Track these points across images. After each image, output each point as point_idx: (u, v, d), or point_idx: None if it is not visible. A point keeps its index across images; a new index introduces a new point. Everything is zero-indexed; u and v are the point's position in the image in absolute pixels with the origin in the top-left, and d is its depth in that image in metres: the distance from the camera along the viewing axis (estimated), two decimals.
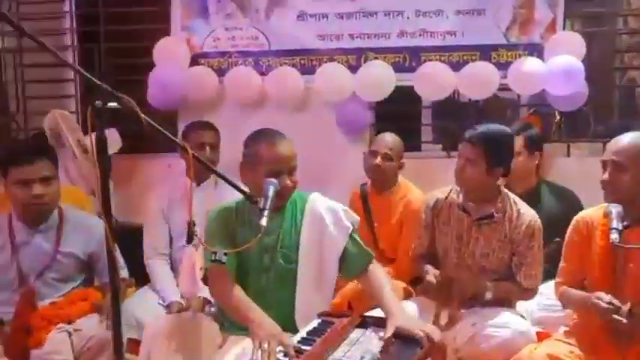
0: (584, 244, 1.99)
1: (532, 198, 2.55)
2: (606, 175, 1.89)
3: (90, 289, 2.29)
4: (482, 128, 2.22)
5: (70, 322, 2.09)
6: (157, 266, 2.78)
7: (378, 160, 2.73)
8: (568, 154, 3.23)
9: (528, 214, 2.24)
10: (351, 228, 1.96)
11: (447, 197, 2.35)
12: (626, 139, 1.89)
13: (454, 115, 3.44)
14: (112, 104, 1.52)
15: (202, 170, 2.70)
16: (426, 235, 2.38)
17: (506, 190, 2.30)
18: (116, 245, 2.09)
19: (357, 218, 2.03)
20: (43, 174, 2.15)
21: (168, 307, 2.48)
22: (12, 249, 2.18)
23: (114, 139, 3.14)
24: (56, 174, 2.23)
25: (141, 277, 2.84)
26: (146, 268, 2.84)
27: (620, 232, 1.74)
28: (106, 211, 1.50)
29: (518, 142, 2.66)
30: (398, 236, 2.76)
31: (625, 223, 1.77)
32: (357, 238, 1.99)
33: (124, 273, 2.40)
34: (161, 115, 3.29)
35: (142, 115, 1.56)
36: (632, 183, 1.84)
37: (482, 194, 2.25)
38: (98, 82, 1.52)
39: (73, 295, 2.21)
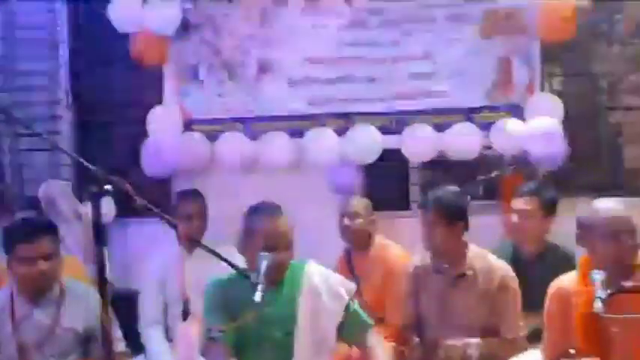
0: (563, 313, 2.01)
1: (542, 262, 2.59)
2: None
3: None
4: (432, 194, 2.35)
5: None
6: (152, 336, 2.79)
7: (346, 220, 2.84)
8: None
9: (499, 266, 2.30)
10: (347, 299, 2.00)
11: (423, 263, 2.42)
12: (620, 206, 1.94)
13: (443, 174, 3.53)
14: (107, 187, 1.61)
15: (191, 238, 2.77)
16: (410, 304, 2.43)
17: (473, 246, 2.36)
18: (113, 316, 2.14)
19: (354, 287, 2.07)
20: (47, 251, 2.19)
21: None
22: (12, 324, 2.19)
23: (108, 206, 3.18)
24: (58, 249, 2.27)
25: (137, 343, 2.85)
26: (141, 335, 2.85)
27: (603, 301, 1.78)
28: (102, 291, 1.55)
29: (533, 204, 2.66)
30: (382, 294, 2.81)
31: (609, 291, 1.81)
32: (356, 307, 2.03)
33: (120, 346, 2.40)
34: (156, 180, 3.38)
35: (135, 197, 1.65)
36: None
37: (451, 252, 2.31)
38: (91, 167, 1.61)
39: None
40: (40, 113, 3.64)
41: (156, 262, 2.95)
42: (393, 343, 2.60)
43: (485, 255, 2.34)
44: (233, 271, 2.01)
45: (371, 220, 2.91)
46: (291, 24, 3.32)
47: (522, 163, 3.33)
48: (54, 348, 2.22)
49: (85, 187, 1.57)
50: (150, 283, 2.92)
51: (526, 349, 2.31)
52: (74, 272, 2.62)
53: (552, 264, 2.68)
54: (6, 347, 2.19)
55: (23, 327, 2.20)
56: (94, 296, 2.28)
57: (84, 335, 2.28)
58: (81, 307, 2.27)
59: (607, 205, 1.97)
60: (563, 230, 3.02)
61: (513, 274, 2.29)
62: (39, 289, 2.23)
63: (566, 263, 2.69)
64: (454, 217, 2.29)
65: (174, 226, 1.79)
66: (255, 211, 2.00)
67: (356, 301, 2.07)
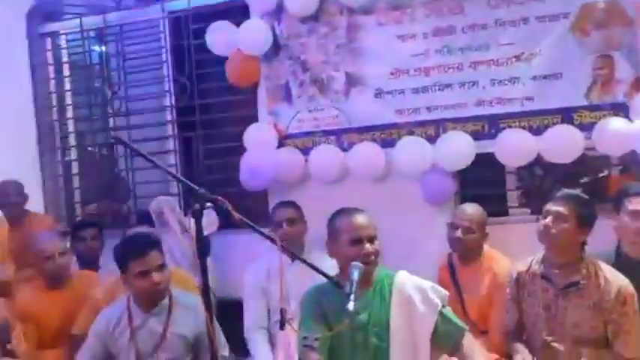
0: None
1: None
2: None
3: None
4: (566, 192, 2.26)
5: None
6: (257, 341, 2.93)
7: (459, 233, 2.76)
8: None
9: (617, 279, 2.17)
10: (440, 305, 2.01)
11: (528, 269, 2.33)
12: None
13: (541, 177, 3.39)
14: (209, 205, 1.75)
15: (296, 246, 2.89)
16: (514, 310, 2.36)
17: (590, 257, 2.24)
18: (217, 323, 2.29)
19: (446, 293, 2.07)
20: (158, 263, 2.39)
21: None
22: (131, 332, 2.41)
23: (211, 219, 3.39)
24: (165, 261, 2.47)
25: (241, 350, 3.01)
26: (246, 342, 3.00)
27: None
28: (206, 299, 1.69)
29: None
30: (488, 308, 2.73)
31: None
32: (448, 314, 2.03)
33: (225, 351, 2.55)
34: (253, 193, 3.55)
35: (235, 213, 1.78)
36: None
37: (567, 257, 2.21)
38: (196, 188, 1.76)
39: None
40: (150, 134, 3.96)
41: (259, 269, 3.11)
42: (497, 356, 2.54)
43: (602, 268, 2.22)
44: (326, 282, 2.09)
45: (484, 234, 2.81)
46: (375, 36, 3.35)
47: (631, 163, 3.13)
48: (167, 353, 2.41)
49: (192, 203, 1.72)
50: (253, 290, 3.09)
51: None
52: (183, 284, 2.82)
53: None
54: (126, 354, 2.41)
55: (139, 335, 2.41)
56: (201, 305, 2.46)
57: (193, 341, 2.46)
58: (189, 315, 2.44)
59: None
60: None
61: (632, 289, 2.17)
62: (154, 299, 2.43)
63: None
64: (584, 220, 2.20)
65: (269, 238, 1.91)
66: (336, 212, 2.13)
67: (448, 307, 2.05)
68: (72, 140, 4.26)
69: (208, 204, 1.72)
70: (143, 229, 3.34)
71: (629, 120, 2.92)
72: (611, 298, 2.14)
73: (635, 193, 2.57)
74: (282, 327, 1.91)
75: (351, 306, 1.79)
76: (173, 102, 3.94)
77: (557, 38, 3.03)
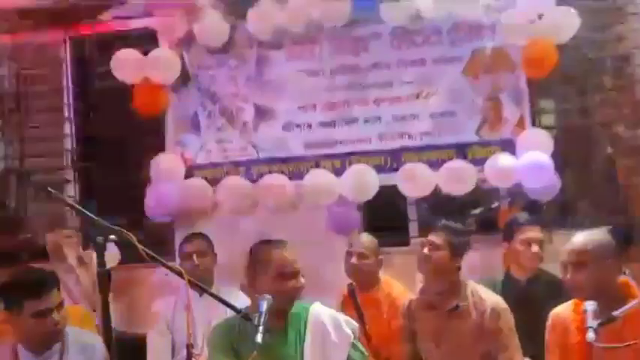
0: (562, 341, 2.05)
1: (533, 288, 2.65)
2: (569, 276, 1.99)
3: None
4: (441, 221, 2.42)
5: None
6: None
7: (354, 259, 2.87)
8: (551, 242, 3.33)
9: (490, 297, 2.34)
10: (352, 336, 2.04)
11: (417, 297, 2.46)
12: (580, 238, 2.00)
13: (440, 209, 3.59)
14: (112, 237, 1.69)
15: (206, 280, 2.83)
16: (410, 338, 2.46)
17: (466, 280, 2.40)
18: None
19: (357, 326, 2.11)
20: (58, 301, 2.20)
21: None
22: None
23: (113, 252, 3.25)
24: (63, 299, 2.29)
25: None
26: None
27: (595, 331, 1.81)
28: (107, 337, 1.62)
29: (536, 231, 2.76)
30: (389, 333, 2.82)
31: (599, 320, 1.85)
32: (360, 346, 2.07)
33: None
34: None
35: (140, 246, 1.73)
36: (594, 280, 1.93)
37: (445, 282, 2.35)
38: (98, 219, 1.69)
39: None
40: (47, 164, 3.76)
41: (166, 303, 3.01)
42: None
43: (477, 289, 2.38)
44: (234, 316, 2.06)
45: (378, 260, 2.93)
46: (284, 70, 3.45)
47: (518, 195, 3.40)
48: None
49: (91, 236, 1.65)
50: (158, 325, 2.97)
51: None
52: (79, 321, 2.67)
53: (542, 289, 2.75)
54: None
55: None
56: (97, 344, 2.30)
57: None
58: (85, 356, 2.28)
59: (574, 238, 2.02)
60: (556, 258, 3.08)
61: (504, 305, 2.32)
62: (49, 341, 2.22)
63: (554, 288, 2.76)
64: (458, 248, 2.35)
65: (178, 273, 1.86)
66: (264, 243, 2.06)
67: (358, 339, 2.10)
68: None
69: (112, 236, 1.66)
70: (35, 265, 3.13)
71: (515, 156, 3.18)
72: (488, 315, 2.29)
73: (525, 222, 2.81)
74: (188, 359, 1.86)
75: (259, 338, 1.78)
76: (73, 130, 3.78)
77: (451, 79, 3.29)
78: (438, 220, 2.48)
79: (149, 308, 3.10)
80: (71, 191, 3.75)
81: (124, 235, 1.66)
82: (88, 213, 1.70)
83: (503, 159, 3.16)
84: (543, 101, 3.48)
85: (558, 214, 3.50)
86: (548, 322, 2.12)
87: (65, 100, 3.79)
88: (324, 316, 2.05)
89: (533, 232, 2.76)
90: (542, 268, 2.91)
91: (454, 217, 3.12)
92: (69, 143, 3.80)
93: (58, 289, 2.24)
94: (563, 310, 2.10)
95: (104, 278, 1.69)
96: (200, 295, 2.77)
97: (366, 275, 2.90)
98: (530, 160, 3.06)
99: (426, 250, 2.37)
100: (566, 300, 2.59)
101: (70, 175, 3.78)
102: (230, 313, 2.04)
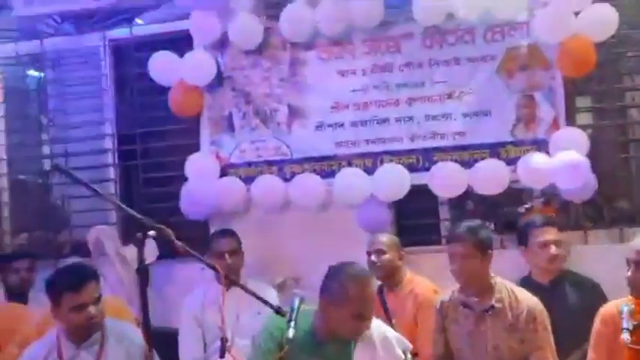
0: (611, 337, 2.04)
1: (557, 288, 2.61)
2: (629, 273, 1.97)
3: None
4: (462, 226, 2.40)
5: None
6: None
7: (373, 257, 2.91)
8: (586, 242, 3.29)
9: (527, 299, 2.33)
10: (403, 358, 2.06)
11: (450, 298, 2.46)
12: None
13: (471, 209, 3.57)
14: (151, 234, 1.76)
15: (234, 276, 2.90)
16: (440, 339, 2.48)
17: (500, 279, 2.39)
18: (156, 355, 2.26)
19: (409, 345, 2.13)
20: (95, 295, 2.32)
21: None
22: None
23: (151, 248, 3.35)
24: (101, 293, 2.40)
25: None
26: None
27: (630, 332, 1.80)
28: (147, 332, 1.69)
29: (552, 233, 2.75)
30: (415, 328, 2.85)
31: (635, 322, 1.83)
32: None
33: None
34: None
35: (177, 242, 1.80)
36: None
37: (480, 285, 2.35)
38: (139, 216, 1.76)
39: None
40: (89, 162, 3.90)
41: (194, 299, 3.09)
42: None
43: (514, 289, 2.38)
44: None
45: (399, 256, 2.97)
46: (317, 70, 3.48)
47: (552, 196, 3.36)
48: None
49: (131, 232, 1.72)
50: (188, 320, 3.06)
51: None
52: (117, 312, 2.77)
53: (569, 291, 2.72)
54: None
55: None
56: (135, 336, 2.42)
57: None
58: (123, 347, 2.39)
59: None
60: (591, 258, 3.05)
61: (541, 306, 2.32)
62: (88, 332, 2.35)
63: (583, 288, 2.72)
64: (485, 248, 2.35)
65: (213, 267, 1.92)
66: (346, 272, 2.02)
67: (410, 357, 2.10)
68: (3, 167, 4.11)
69: (151, 232, 1.72)
70: (77, 259, 3.26)
71: (549, 155, 3.15)
72: (524, 317, 2.29)
73: (541, 224, 2.78)
74: (222, 355, 1.92)
75: (290, 333, 1.83)
76: (114, 130, 3.90)
77: (485, 78, 3.27)
78: (468, 221, 2.47)
79: (181, 303, 3.18)
80: (112, 189, 3.86)
81: (162, 231, 1.71)
82: (129, 209, 1.77)
83: (537, 158, 3.13)
84: (579, 99, 3.42)
85: (595, 214, 3.45)
86: (598, 317, 2.14)
87: (106, 101, 3.91)
88: (375, 334, 2.05)
89: (550, 234, 2.73)
90: (568, 269, 2.89)
91: (486, 217, 3.15)
92: (110, 143, 3.92)
93: (96, 283, 2.35)
94: (616, 304, 2.10)
95: (144, 273, 1.73)
96: (227, 290, 2.83)
97: (386, 272, 2.94)
98: (564, 160, 3.02)
99: (455, 267, 2.35)
100: (602, 298, 2.59)
101: (111, 173, 3.90)
102: (260, 307, 2.06)
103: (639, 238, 2.02)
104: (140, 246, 1.70)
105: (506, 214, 3.47)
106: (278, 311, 1.97)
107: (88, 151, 3.94)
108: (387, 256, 2.93)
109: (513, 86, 3.24)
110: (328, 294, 2.01)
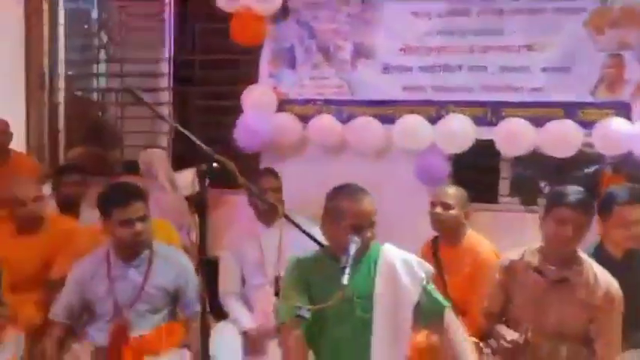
0: None
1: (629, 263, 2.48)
2: None
3: (175, 324, 2.43)
4: (579, 193, 2.21)
5: (157, 356, 2.24)
6: (232, 305, 2.90)
7: (438, 208, 2.75)
8: None
9: (607, 280, 2.19)
10: (424, 277, 2.00)
11: (521, 259, 2.33)
12: None
13: (535, 168, 3.41)
14: (215, 166, 1.71)
15: (271, 213, 2.84)
16: (499, 295, 2.36)
17: (582, 254, 2.26)
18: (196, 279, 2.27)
19: (431, 268, 2.06)
20: (141, 214, 2.34)
21: (245, 334, 2.66)
22: (109, 282, 2.37)
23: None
24: (149, 213, 2.42)
25: (219, 310, 2.98)
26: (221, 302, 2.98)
27: None
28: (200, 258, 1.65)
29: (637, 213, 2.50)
30: (470, 289, 2.74)
31: None
32: (431, 289, 2.02)
33: (197, 307, 2.51)
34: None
35: (240, 177, 1.75)
36: None
37: (565, 254, 2.22)
38: (203, 146, 1.71)
39: (160, 329, 2.36)
40: (144, 84, 3.86)
41: (233, 234, 3.06)
42: (474, 339, 2.56)
43: (593, 266, 2.24)
44: (312, 251, 2.06)
45: (465, 212, 2.81)
46: (389, 9, 3.30)
47: (624, 162, 3.15)
48: (145, 305, 2.38)
49: (185, 158, 1.67)
50: (227, 255, 3.04)
51: None
52: (166, 236, 2.78)
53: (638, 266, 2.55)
54: (102, 305, 2.37)
55: (118, 285, 2.37)
56: (182, 259, 2.46)
57: (172, 294, 2.43)
58: (170, 268, 2.42)
59: None
60: None
61: (620, 291, 2.18)
62: (135, 249, 2.38)
63: None
64: (591, 218, 2.21)
65: (273, 205, 1.86)
66: (340, 191, 2.00)
67: (431, 282, 2.05)
68: (61, 83, 4.11)
69: (215, 164, 1.67)
70: (129, 178, 3.27)
71: (630, 121, 2.93)
72: (599, 297, 2.16)
73: (625, 201, 2.57)
74: (277, 294, 1.87)
75: (345, 279, 1.77)
76: (172, 54, 3.83)
77: (571, 32, 3.04)
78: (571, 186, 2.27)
79: (222, 234, 3.13)
80: (165, 113, 3.83)
81: (222, 161, 1.69)
82: (195, 139, 1.72)
83: (617, 123, 2.92)
84: None
85: None
86: None
87: (166, 24, 3.82)
88: (395, 258, 2.00)
89: (636, 213, 2.53)
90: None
91: (551, 178, 2.97)
92: (166, 67, 3.85)
93: (143, 202, 2.37)
94: None
95: (202, 201, 1.71)
96: (267, 227, 2.79)
97: (450, 226, 2.79)
98: None
99: (569, 232, 2.15)
100: None
101: (165, 97, 3.85)
102: (297, 244, 2.00)
103: None
104: (203, 177, 1.67)
105: (575, 179, 3.27)
106: (335, 258, 1.91)
107: (144, 72, 3.88)
108: (453, 212, 2.76)
109: (601, 43, 3.00)
110: (325, 213, 1.99)
